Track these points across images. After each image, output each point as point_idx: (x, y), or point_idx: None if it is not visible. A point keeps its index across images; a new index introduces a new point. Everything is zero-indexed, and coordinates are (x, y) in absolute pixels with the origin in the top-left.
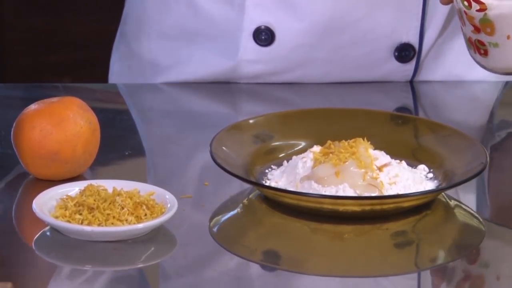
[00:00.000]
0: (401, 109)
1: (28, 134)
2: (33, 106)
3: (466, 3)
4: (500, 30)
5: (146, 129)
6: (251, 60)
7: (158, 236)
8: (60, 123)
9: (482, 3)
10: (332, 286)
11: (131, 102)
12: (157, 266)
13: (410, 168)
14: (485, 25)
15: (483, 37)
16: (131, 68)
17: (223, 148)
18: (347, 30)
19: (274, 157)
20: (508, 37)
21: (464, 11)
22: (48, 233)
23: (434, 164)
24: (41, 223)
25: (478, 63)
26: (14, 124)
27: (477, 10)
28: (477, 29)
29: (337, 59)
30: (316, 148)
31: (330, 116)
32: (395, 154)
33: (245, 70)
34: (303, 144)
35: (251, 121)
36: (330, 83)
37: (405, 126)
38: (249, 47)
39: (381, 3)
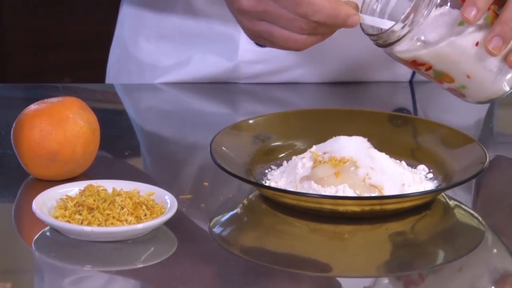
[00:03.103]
0: (401, 109)
1: (28, 134)
2: (33, 106)
3: (421, 67)
4: (457, 75)
5: (145, 129)
6: (250, 60)
7: (158, 236)
8: (60, 123)
9: (424, 63)
10: (332, 286)
11: (130, 102)
12: (157, 266)
13: (410, 168)
14: (442, 77)
15: (449, 85)
16: (129, 71)
17: (223, 148)
18: (346, 30)
19: (274, 157)
20: (468, 76)
21: (424, 74)
22: (48, 233)
23: (433, 164)
24: (41, 223)
25: (467, 101)
26: (14, 124)
27: (426, 70)
28: (440, 82)
29: (336, 59)
30: (316, 148)
31: (330, 116)
32: (394, 154)
33: (245, 71)
34: (303, 144)
35: (251, 121)
36: (330, 83)
37: (404, 126)
38: (248, 48)
39: None
